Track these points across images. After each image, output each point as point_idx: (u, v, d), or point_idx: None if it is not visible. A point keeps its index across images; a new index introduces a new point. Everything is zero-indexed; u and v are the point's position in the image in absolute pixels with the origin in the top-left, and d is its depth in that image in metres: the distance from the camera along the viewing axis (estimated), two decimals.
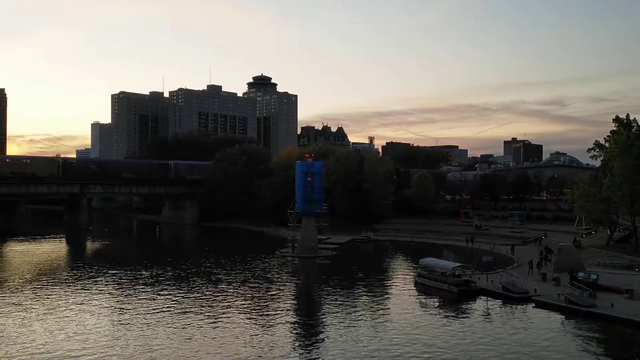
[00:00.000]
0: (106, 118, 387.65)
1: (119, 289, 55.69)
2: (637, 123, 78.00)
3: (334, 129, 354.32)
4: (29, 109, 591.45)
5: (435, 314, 46.46)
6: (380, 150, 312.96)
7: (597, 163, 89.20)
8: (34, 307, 46.41)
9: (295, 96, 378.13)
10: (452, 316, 45.62)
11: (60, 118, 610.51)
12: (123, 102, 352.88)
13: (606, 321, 41.25)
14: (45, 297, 50.81)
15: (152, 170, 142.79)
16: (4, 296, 51.00)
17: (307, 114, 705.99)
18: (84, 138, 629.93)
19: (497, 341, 37.16)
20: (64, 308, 46.18)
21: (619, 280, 50.79)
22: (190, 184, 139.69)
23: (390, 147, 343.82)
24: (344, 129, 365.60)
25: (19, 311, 44.74)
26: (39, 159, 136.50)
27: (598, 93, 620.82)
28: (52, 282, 58.78)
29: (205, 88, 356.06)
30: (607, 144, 78.73)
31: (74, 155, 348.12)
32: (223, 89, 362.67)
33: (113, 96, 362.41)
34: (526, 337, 38.22)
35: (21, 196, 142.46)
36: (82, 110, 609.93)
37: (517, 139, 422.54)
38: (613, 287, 47.89)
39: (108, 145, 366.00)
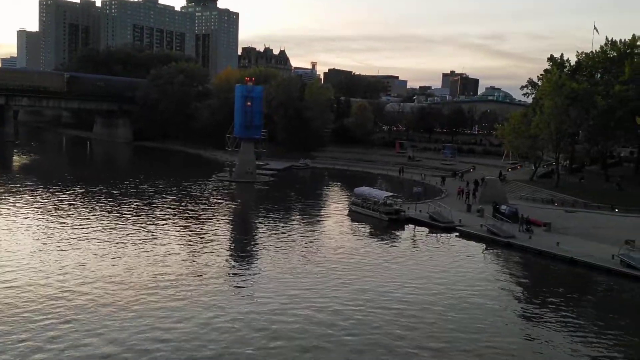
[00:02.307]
0: (33, 25, 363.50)
1: (49, 205, 54.33)
2: (569, 63, 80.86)
3: (276, 52, 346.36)
4: None
5: (364, 240, 48.21)
6: (322, 77, 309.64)
7: (529, 100, 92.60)
8: None
9: (237, 14, 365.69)
10: (379, 242, 47.55)
11: None
12: (51, 9, 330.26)
13: (523, 252, 44.01)
14: None
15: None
16: None
17: (249, 34, 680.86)
18: (8, 46, 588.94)
19: (417, 264, 39.55)
20: None
21: (539, 214, 53.75)
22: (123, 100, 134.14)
23: (333, 74, 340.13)
24: (287, 52, 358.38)
25: None
26: (49, 74, 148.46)
27: (538, 30, 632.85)
28: None
29: None
30: (539, 83, 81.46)
31: None
32: (160, 2, 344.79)
33: (41, 2, 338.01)
34: (444, 262, 40.55)
35: None
36: (7, 16, 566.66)
37: (455, 72, 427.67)
38: (533, 220, 50.71)
39: (35, 54, 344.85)
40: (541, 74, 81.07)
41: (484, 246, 46.22)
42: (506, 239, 45.98)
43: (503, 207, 54.05)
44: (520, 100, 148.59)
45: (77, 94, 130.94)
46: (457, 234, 49.48)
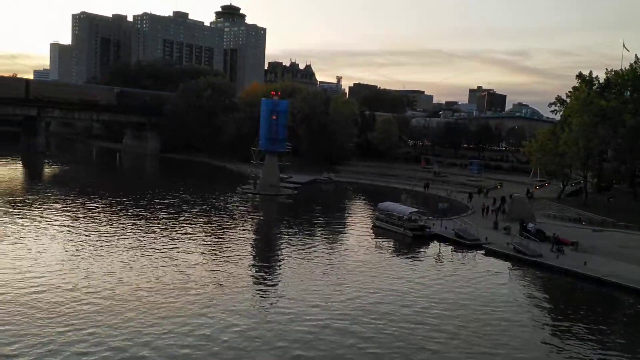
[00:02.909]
0: (66, 39, 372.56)
1: (77, 213, 55.40)
2: (598, 80, 79.80)
3: (302, 67, 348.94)
4: None
5: (388, 255, 48.09)
6: (347, 91, 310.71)
7: (557, 117, 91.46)
8: None
9: (264, 29, 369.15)
10: (403, 257, 47.39)
11: (16, 35, 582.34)
12: (84, 23, 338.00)
13: (550, 271, 43.27)
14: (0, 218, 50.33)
15: None
16: None
17: (276, 49, 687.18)
18: (41, 58, 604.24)
19: (441, 279, 39.20)
20: (18, 230, 45.93)
21: (566, 233, 52.76)
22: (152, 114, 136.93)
23: (358, 88, 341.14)
24: (312, 67, 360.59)
25: None
26: (100, 88, 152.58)
27: (564, 46, 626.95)
28: (8, 205, 58.01)
29: (171, 14, 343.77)
30: (568, 100, 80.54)
31: (31, 76, 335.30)
32: (190, 17, 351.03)
33: (74, 16, 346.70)
34: (469, 278, 40.01)
35: None
36: (39, 29, 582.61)
37: (482, 88, 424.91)
38: (560, 239, 49.87)
39: (67, 67, 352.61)
40: (570, 91, 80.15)
41: (510, 264, 45.61)
42: (533, 257, 45.26)
43: (530, 225, 53.29)
44: (548, 117, 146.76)
45: (127, 107, 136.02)
46: (483, 251, 48.77)
